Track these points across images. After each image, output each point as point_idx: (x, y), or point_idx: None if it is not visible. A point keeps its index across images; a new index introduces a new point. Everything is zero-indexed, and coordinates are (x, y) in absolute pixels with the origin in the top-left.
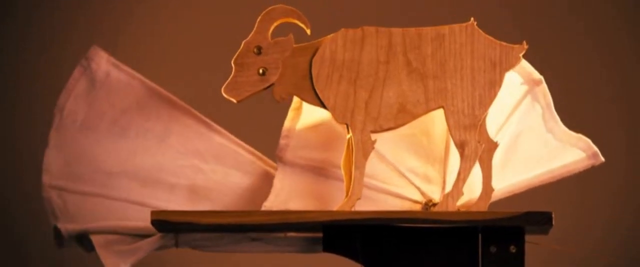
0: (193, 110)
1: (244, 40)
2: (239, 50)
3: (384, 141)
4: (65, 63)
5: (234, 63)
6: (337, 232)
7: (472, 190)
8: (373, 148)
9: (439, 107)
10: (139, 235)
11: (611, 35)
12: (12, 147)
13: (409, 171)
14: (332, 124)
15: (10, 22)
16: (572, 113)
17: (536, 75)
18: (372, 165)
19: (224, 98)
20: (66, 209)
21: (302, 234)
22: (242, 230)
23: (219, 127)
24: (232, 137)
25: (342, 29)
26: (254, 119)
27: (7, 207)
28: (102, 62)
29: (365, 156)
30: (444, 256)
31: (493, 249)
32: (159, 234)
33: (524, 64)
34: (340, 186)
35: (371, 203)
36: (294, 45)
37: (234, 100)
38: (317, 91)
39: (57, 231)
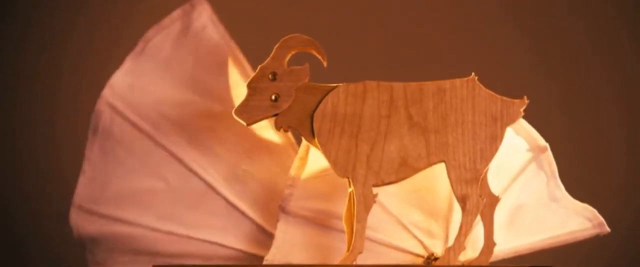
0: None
1: (260, 65)
2: (254, 75)
3: (387, 195)
4: (65, 63)
5: (248, 86)
6: None
7: (475, 245)
8: (374, 202)
9: (440, 161)
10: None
11: (611, 35)
12: (12, 147)
13: (412, 225)
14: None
15: (10, 22)
16: (572, 113)
17: (541, 142)
18: (375, 217)
19: None
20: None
21: None
22: None
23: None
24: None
25: (344, 84)
26: None
27: (7, 207)
28: (204, 14)
29: (367, 210)
30: None
31: None
32: None
33: (530, 130)
34: (343, 238)
35: (373, 256)
36: (308, 82)
37: (244, 123)
38: (319, 145)
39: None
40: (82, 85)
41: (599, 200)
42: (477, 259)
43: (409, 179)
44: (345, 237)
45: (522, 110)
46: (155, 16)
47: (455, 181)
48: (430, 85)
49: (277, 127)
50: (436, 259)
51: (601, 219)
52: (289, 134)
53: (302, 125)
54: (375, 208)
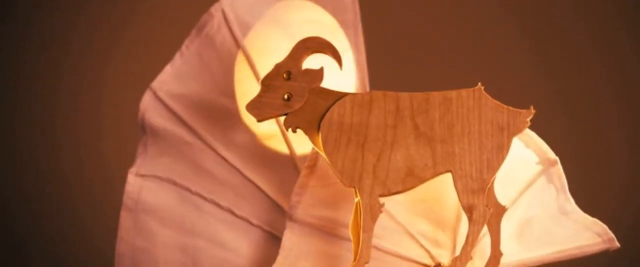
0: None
1: (276, 63)
2: (269, 72)
3: (395, 204)
4: (65, 63)
5: (262, 83)
6: None
7: (483, 256)
8: (381, 211)
9: (446, 171)
10: None
11: (611, 35)
12: (12, 147)
13: (419, 234)
14: None
15: (10, 22)
16: (572, 113)
17: (551, 155)
18: (382, 226)
19: None
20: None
21: None
22: None
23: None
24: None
25: (350, 94)
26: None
27: (7, 207)
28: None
29: (374, 220)
30: None
31: None
32: None
33: (540, 143)
34: (350, 247)
35: (380, 265)
36: (322, 86)
37: (255, 119)
38: (325, 155)
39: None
40: (82, 85)
41: (599, 200)
42: None
43: (417, 188)
44: (352, 246)
45: (528, 120)
46: (155, 16)
47: (461, 190)
48: (436, 95)
49: (286, 126)
50: None
51: (611, 234)
52: None
53: (310, 128)
54: (382, 217)
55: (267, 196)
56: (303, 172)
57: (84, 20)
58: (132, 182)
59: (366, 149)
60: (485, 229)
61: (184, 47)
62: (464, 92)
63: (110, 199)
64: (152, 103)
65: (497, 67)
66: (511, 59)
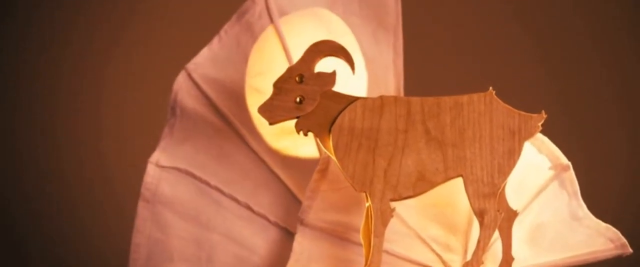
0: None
1: (289, 66)
2: (282, 75)
3: (406, 208)
4: (65, 63)
5: (274, 86)
6: None
7: (495, 260)
8: (392, 216)
9: (458, 176)
10: None
11: (611, 35)
12: (12, 147)
13: (430, 239)
14: None
15: (10, 22)
16: (572, 112)
17: (564, 160)
18: (394, 230)
19: None
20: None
21: None
22: None
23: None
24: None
25: (361, 98)
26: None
27: (7, 207)
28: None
29: (384, 225)
30: None
31: None
32: None
33: (553, 148)
34: (361, 251)
35: None
36: (334, 90)
37: (267, 122)
38: (337, 159)
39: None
40: (82, 85)
41: (600, 200)
42: None
43: (428, 193)
44: (363, 251)
45: (539, 124)
46: (155, 16)
47: (472, 195)
48: (447, 100)
49: (298, 129)
50: None
51: (624, 240)
52: None
53: (321, 131)
54: (393, 221)
55: (289, 189)
56: (314, 176)
57: (84, 20)
58: (152, 173)
59: (377, 154)
60: (496, 234)
61: (222, 32)
62: (475, 96)
63: (110, 199)
64: (185, 84)
65: (497, 66)
66: (511, 59)
